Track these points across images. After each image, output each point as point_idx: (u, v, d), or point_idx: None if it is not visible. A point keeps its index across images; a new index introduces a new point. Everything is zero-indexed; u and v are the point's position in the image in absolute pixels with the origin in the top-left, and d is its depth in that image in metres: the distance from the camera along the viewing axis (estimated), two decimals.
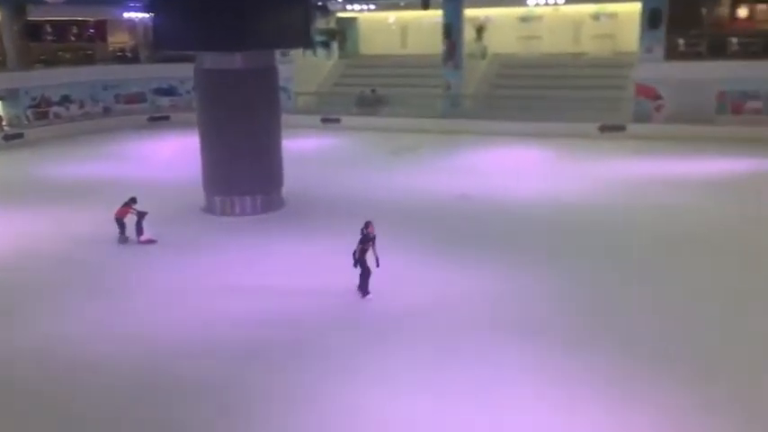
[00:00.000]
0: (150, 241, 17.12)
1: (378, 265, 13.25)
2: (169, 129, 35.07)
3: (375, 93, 36.48)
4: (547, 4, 36.24)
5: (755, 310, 12.82)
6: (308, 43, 23.99)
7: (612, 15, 36.72)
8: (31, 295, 14.23)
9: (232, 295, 13.93)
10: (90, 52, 39.11)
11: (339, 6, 38.92)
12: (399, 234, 16.57)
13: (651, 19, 30.80)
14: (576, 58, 36.66)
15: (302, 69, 37.37)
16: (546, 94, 33.26)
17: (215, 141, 19.68)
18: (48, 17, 37.05)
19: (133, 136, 34.02)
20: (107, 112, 37.38)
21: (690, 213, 19.00)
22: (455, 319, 12.62)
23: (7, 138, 31.78)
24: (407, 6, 38.22)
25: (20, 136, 32.33)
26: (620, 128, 30.66)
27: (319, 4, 35.10)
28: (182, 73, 33.52)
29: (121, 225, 17.16)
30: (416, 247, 16.32)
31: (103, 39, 40.19)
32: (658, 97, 31.06)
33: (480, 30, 38.64)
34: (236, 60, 18.98)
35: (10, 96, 33.76)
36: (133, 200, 17.24)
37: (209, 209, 20.11)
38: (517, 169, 25.34)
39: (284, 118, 21.11)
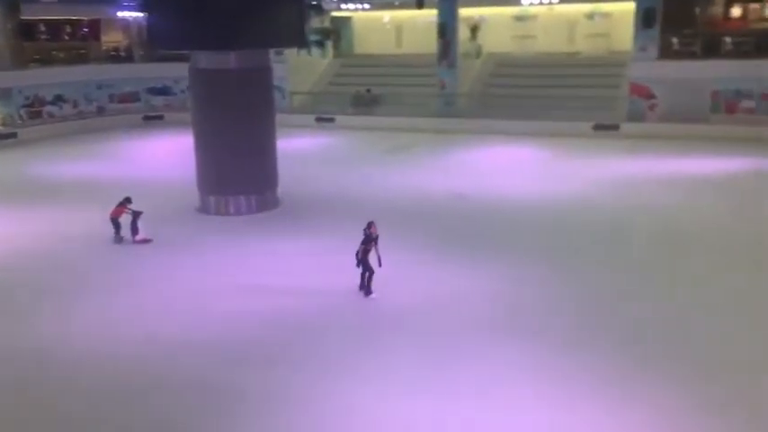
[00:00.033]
0: (145, 241, 17.09)
1: (380, 265, 13.27)
2: (163, 128, 35.00)
3: (370, 92, 36.48)
4: (541, 3, 36.37)
5: (752, 308, 12.84)
6: (302, 42, 23.95)
7: (607, 15, 36.89)
8: (27, 295, 14.17)
9: (227, 295, 13.90)
10: (84, 51, 39.03)
11: (334, 5, 38.95)
12: (394, 233, 16.48)
13: (645, 18, 30.92)
14: (571, 57, 36.74)
15: (297, 69, 37.37)
16: (540, 93, 33.33)
17: (209, 141, 19.64)
18: (41, 16, 36.99)
19: (127, 135, 33.93)
20: (101, 111, 37.26)
21: (683, 212, 19.06)
22: (451, 319, 12.61)
23: (0, 137, 31.64)
24: (402, 6, 38.32)
25: (13, 135, 32.20)
26: (614, 127, 30.74)
27: (314, 3, 35.05)
28: (176, 72, 33.51)
29: (117, 225, 17.11)
30: (411, 247, 16.32)
31: (97, 38, 40.13)
32: (652, 96, 31.17)
33: (475, 29, 38.74)
34: (230, 60, 18.94)
35: (3, 96, 33.61)
36: (128, 200, 17.20)
37: (203, 208, 20.08)
38: (511, 168, 25.39)
39: (279, 117, 21.08)
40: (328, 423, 9.52)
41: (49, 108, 35.32)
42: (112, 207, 17.16)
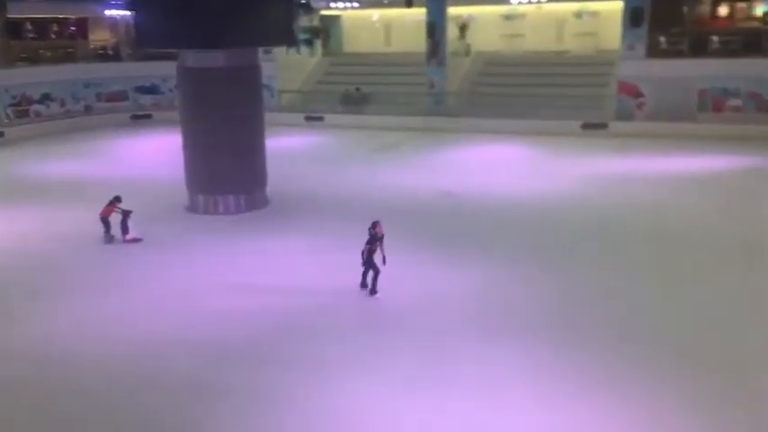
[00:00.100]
0: (135, 240, 17.04)
1: (384, 263, 13.30)
2: (151, 127, 34.82)
3: (359, 91, 36.48)
4: (530, 2, 36.47)
5: (740, 306, 12.95)
6: (291, 41, 23.94)
7: (595, 13, 37.03)
8: (18, 295, 14.13)
9: (217, 294, 13.89)
10: (71, 50, 38.77)
11: (323, 4, 38.89)
12: (385, 232, 16.55)
13: (633, 17, 31.05)
14: (559, 56, 36.87)
15: (286, 67, 37.33)
16: (529, 91, 33.38)
17: (198, 140, 19.59)
18: (28, 15, 36.71)
19: (115, 134, 33.73)
20: (88, 110, 37.01)
21: (671, 210, 19.18)
22: (443, 318, 12.63)
23: None
24: (391, 4, 38.33)
25: (0, 135, 31.97)
26: (603, 125, 30.85)
27: (302, 1, 35.00)
28: (164, 71, 33.35)
29: (106, 224, 17.05)
30: (401, 245, 16.21)
31: (85, 36, 39.82)
32: (640, 95, 31.31)
33: (464, 28, 38.81)
34: (218, 58, 18.89)
35: None
36: (117, 199, 17.14)
37: (192, 207, 20.03)
38: (500, 167, 25.43)
39: (267, 116, 21.04)
40: (317, 422, 9.53)
41: (36, 107, 35.07)
42: (101, 206, 17.10)
